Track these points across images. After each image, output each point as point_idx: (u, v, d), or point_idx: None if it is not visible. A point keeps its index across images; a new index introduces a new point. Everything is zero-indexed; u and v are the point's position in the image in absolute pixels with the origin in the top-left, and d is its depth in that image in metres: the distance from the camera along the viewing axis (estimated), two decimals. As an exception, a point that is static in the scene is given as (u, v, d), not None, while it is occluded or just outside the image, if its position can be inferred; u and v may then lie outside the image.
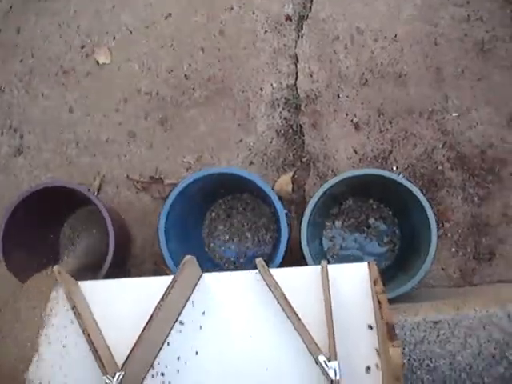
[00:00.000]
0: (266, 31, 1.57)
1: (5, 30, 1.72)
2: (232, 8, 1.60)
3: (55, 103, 1.63)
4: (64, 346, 0.95)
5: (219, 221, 1.46)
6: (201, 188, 1.29)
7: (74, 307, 0.95)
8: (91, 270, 1.30)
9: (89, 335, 0.92)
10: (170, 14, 1.63)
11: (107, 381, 0.85)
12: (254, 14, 1.59)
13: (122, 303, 0.98)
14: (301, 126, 1.50)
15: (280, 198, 1.43)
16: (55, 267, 0.97)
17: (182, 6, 1.64)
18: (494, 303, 1.12)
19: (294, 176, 1.46)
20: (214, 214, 1.46)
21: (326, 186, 1.23)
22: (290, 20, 1.57)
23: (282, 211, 1.22)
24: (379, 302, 0.90)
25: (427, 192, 1.44)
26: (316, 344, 0.87)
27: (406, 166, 1.45)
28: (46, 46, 1.68)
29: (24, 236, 1.36)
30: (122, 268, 1.45)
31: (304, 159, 1.48)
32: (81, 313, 0.95)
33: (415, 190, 1.24)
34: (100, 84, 1.63)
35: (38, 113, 1.63)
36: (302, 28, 1.56)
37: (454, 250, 1.43)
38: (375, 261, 1.39)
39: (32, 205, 1.34)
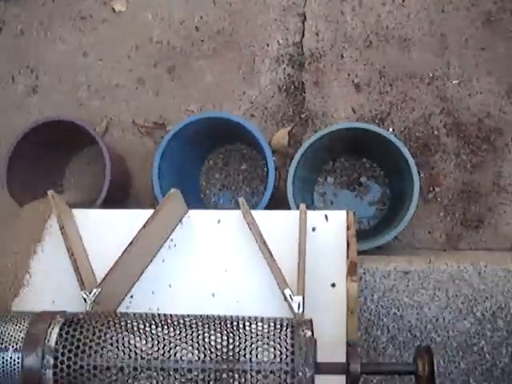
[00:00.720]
0: (276, -11, 1.62)
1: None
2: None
3: (71, 47, 1.70)
4: (52, 272, 1.01)
5: (216, 169, 1.52)
6: (197, 132, 1.35)
7: (62, 227, 1.01)
8: (89, 206, 1.36)
9: (72, 253, 0.98)
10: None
11: (84, 295, 0.92)
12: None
13: (110, 232, 1.04)
14: (303, 83, 1.54)
15: (274, 151, 1.48)
16: (49, 191, 1.03)
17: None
18: (466, 261, 1.15)
19: (291, 131, 1.50)
20: (211, 162, 1.52)
21: (317, 135, 1.27)
22: (302, -21, 1.60)
23: (270, 157, 1.27)
24: (348, 243, 0.95)
25: (421, 156, 1.47)
26: (284, 280, 0.92)
27: (402, 129, 1.48)
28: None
29: (29, 169, 1.43)
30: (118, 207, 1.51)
31: (303, 115, 1.52)
32: (68, 234, 1.01)
33: (403, 149, 1.28)
34: (114, 31, 1.68)
35: (54, 55, 1.70)
36: (312, -13, 1.60)
37: (442, 214, 1.46)
38: (364, 218, 1.45)
39: (39, 138, 1.42)
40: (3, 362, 0.73)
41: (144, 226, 0.97)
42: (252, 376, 0.74)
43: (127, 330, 0.78)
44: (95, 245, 1.03)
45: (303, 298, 0.88)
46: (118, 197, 1.49)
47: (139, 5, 1.69)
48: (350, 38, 1.55)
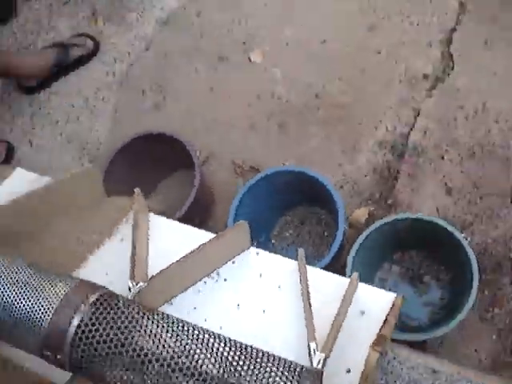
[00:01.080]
0: (400, 80, 1.69)
1: (189, 9, 1.99)
2: (379, 52, 1.74)
3: (201, 79, 1.86)
4: (109, 266, 1.10)
5: (291, 225, 1.59)
6: (282, 183, 1.43)
7: (135, 222, 1.11)
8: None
9: (135, 247, 1.07)
10: (324, 41, 1.80)
11: (130, 284, 1.00)
12: (396, 63, 1.72)
13: (175, 243, 1.12)
14: (397, 172, 1.59)
15: (350, 225, 1.53)
16: (137, 189, 1.14)
17: (338, 37, 1.80)
18: (495, 382, 1.13)
19: (372, 211, 1.55)
20: (288, 218, 1.59)
21: (385, 220, 1.32)
22: (426, 79, 1.67)
23: (342, 222, 1.33)
24: (385, 320, 0.98)
25: (491, 273, 1.46)
26: (314, 335, 0.96)
27: (479, 242, 1.49)
28: (216, 32, 1.92)
29: (125, 175, 1.55)
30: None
31: (389, 201, 1.56)
32: (138, 230, 1.11)
33: (473, 259, 1.29)
34: (244, 77, 1.83)
35: (184, 82, 1.87)
36: (434, 88, 1.66)
37: (494, 337, 1.44)
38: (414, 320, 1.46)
39: (141, 149, 1.55)
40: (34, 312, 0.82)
41: (205, 243, 1.05)
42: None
43: (157, 324, 0.85)
44: (158, 250, 1.12)
45: (326, 358, 0.92)
46: (195, 221, 1.59)
47: (274, 61, 1.82)
48: (455, 144, 1.59)
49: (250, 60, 1.84)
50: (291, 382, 0.79)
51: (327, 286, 1.05)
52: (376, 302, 1.02)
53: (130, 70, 1.96)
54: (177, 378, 0.81)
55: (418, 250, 1.48)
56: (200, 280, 1.09)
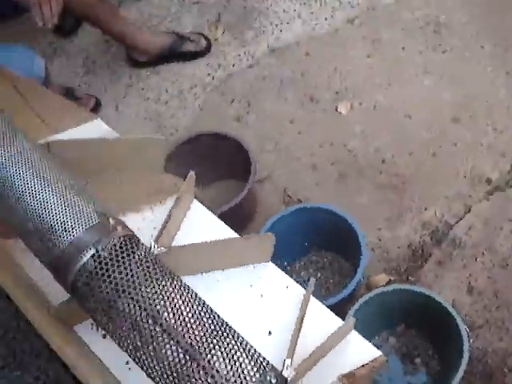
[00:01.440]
0: (465, 176, 1.76)
1: (301, 47, 2.12)
2: (455, 144, 1.82)
3: (287, 110, 1.99)
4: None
5: (308, 266, 1.67)
6: (311, 221, 1.53)
7: (178, 198, 1.21)
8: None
9: (170, 217, 1.17)
10: (409, 116, 1.90)
11: (152, 244, 1.09)
12: (466, 159, 1.79)
13: (205, 231, 1.22)
14: (430, 255, 1.64)
15: (367, 287, 1.60)
16: (192, 172, 1.24)
17: (423, 117, 1.90)
18: None
19: (392, 281, 1.61)
20: (313, 257, 1.67)
21: (393, 287, 1.39)
22: (489, 183, 1.73)
23: (362, 266, 1.40)
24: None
25: (480, 381, 1.49)
26: (293, 353, 1.02)
27: (480, 347, 1.52)
28: (316, 74, 2.05)
29: (181, 168, 1.67)
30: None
31: (411, 278, 1.62)
32: (178, 206, 1.21)
33: (465, 359, 1.33)
34: (325, 121, 1.94)
35: (271, 108, 2.00)
36: (492, 194, 1.72)
37: None
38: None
39: (207, 147, 1.67)
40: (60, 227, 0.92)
41: (229, 239, 1.15)
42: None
43: (173, 285, 0.92)
44: (187, 231, 1.21)
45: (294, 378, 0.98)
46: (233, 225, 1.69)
47: (357, 117, 1.93)
48: (492, 250, 1.63)
49: (337, 109, 1.95)
50: (256, 370, 0.86)
51: (323, 319, 1.12)
52: (360, 351, 1.08)
53: (228, 78, 2.10)
54: (165, 341, 0.89)
55: (420, 330, 1.53)
56: (213, 271, 1.18)
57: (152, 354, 0.87)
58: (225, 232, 1.22)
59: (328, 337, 1.03)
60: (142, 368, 0.84)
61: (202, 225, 1.22)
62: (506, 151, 1.79)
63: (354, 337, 1.09)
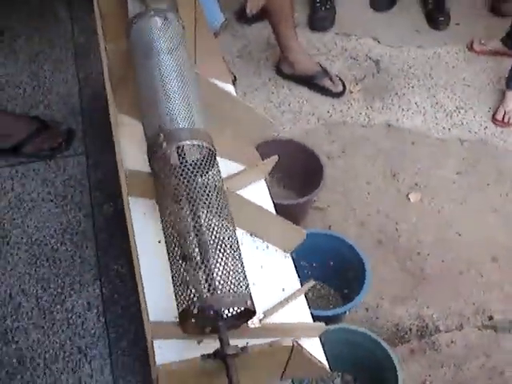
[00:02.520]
0: (474, 303, 1.95)
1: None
2: (482, 276, 2.02)
3: (360, 171, 2.26)
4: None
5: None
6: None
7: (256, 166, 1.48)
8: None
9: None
10: (458, 234, 2.12)
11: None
12: (482, 293, 1.98)
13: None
14: (408, 341, 1.85)
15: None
16: (275, 156, 1.51)
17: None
18: None
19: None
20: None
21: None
22: (489, 319, 1.91)
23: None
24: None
25: None
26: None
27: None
28: (407, 165, 2.30)
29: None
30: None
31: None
32: (253, 172, 1.48)
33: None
34: (390, 198, 2.19)
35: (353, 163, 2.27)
36: (486, 329, 1.90)
37: None
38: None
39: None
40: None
41: (269, 211, 1.41)
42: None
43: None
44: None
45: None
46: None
47: (420, 210, 2.16)
48: (459, 369, 1.81)
49: (408, 195, 2.19)
50: (238, 284, 1.11)
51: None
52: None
53: (339, 124, 2.40)
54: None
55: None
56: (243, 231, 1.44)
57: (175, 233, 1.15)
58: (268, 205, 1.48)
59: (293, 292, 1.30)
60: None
61: (258, 197, 1.49)
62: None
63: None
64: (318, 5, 2.75)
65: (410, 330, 1.87)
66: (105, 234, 1.62)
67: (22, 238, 1.61)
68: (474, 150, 2.38)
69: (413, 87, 2.57)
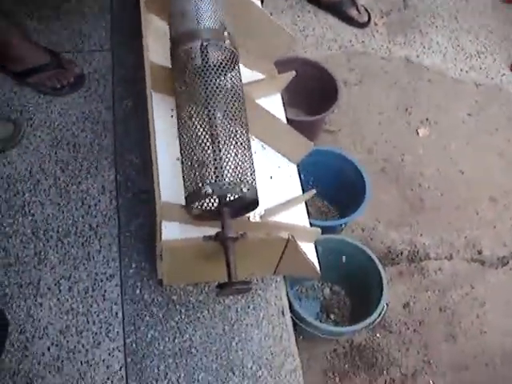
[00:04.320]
0: (466, 237, 2.04)
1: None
2: (478, 213, 2.10)
3: (375, 102, 2.30)
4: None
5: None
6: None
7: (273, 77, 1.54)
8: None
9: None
10: (462, 172, 2.19)
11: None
12: (478, 229, 2.08)
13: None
14: (398, 263, 1.95)
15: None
16: (293, 71, 1.57)
17: None
18: None
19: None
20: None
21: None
22: (479, 253, 2.01)
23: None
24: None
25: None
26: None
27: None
28: (421, 99, 2.36)
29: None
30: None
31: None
32: (271, 83, 1.54)
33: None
34: (398, 129, 2.25)
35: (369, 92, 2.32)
36: (475, 262, 2.00)
37: None
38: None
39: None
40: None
41: (280, 120, 1.48)
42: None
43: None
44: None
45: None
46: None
47: (427, 144, 2.23)
48: (442, 295, 1.92)
49: (417, 130, 2.25)
50: (244, 175, 1.19)
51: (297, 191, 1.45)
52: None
53: (360, 55, 2.44)
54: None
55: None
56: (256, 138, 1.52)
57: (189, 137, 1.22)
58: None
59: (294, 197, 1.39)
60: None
61: (272, 108, 1.55)
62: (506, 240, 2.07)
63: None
64: None
65: (401, 253, 1.98)
66: (123, 126, 1.70)
67: (45, 122, 1.69)
68: (488, 94, 2.42)
69: (437, 27, 2.58)
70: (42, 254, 1.48)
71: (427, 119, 2.29)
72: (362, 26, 2.51)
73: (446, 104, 2.36)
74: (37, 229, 1.51)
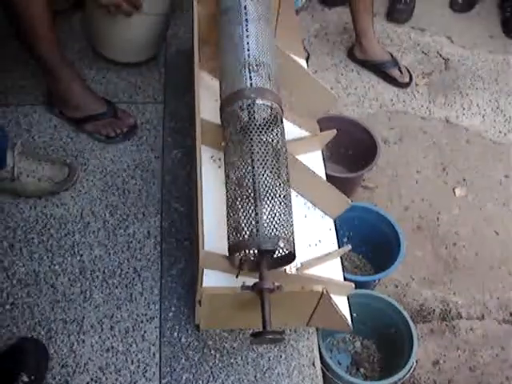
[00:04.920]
0: (498, 298, 2.06)
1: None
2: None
3: (409, 160, 2.35)
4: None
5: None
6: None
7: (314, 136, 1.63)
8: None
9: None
10: (497, 233, 2.22)
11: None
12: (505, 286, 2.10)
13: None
14: (429, 321, 1.98)
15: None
16: (334, 130, 1.66)
17: None
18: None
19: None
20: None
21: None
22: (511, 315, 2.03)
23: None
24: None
25: None
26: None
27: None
28: (460, 173, 2.41)
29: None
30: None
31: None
32: (311, 142, 1.63)
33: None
34: (432, 186, 2.30)
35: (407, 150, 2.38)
36: (508, 323, 2.01)
37: None
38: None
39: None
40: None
41: (320, 176, 1.55)
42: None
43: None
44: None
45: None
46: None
47: (463, 205, 2.27)
48: (474, 360, 1.93)
49: (454, 189, 2.30)
50: (282, 230, 1.26)
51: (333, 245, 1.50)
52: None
53: (396, 113, 2.51)
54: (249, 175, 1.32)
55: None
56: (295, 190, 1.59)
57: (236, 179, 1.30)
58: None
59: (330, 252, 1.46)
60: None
61: (313, 164, 1.63)
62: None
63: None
64: (400, -3, 2.86)
65: (434, 311, 2.01)
66: (170, 176, 1.79)
67: (98, 167, 1.80)
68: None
69: (477, 89, 2.65)
70: (88, 292, 1.56)
71: (464, 179, 2.34)
72: (404, 86, 2.59)
73: (484, 165, 2.41)
74: (84, 268, 1.60)
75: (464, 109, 2.57)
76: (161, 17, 1.94)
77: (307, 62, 2.48)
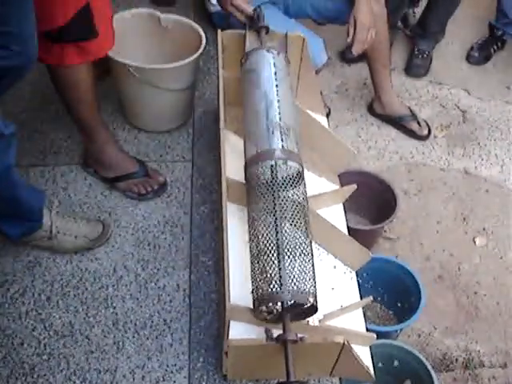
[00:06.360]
0: (520, 347, 2.10)
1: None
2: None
3: (435, 211, 2.42)
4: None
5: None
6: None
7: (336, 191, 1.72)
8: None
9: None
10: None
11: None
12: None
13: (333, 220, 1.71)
14: (452, 370, 2.01)
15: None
16: (354, 185, 1.74)
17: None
18: None
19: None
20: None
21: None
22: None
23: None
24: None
25: None
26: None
27: None
28: (478, 212, 2.47)
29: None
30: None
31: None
32: (334, 195, 1.71)
33: None
34: (455, 235, 2.35)
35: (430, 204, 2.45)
36: (529, 372, 2.04)
37: None
38: None
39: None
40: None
41: (341, 231, 1.63)
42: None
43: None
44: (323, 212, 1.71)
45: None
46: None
47: (484, 254, 2.31)
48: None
49: (474, 238, 2.35)
50: (305, 283, 1.34)
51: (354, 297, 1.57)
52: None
53: (416, 166, 2.59)
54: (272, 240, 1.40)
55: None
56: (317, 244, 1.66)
57: (257, 235, 1.38)
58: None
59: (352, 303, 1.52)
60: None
61: (334, 218, 1.70)
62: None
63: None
64: (417, 53, 2.97)
65: (456, 360, 2.04)
66: (198, 231, 1.89)
67: (130, 223, 1.90)
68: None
69: (495, 140, 2.73)
70: (120, 343, 1.64)
71: (484, 229, 2.39)
72: (423, 138, 2.68)
73: (503, 214, 2.46)
74: (117, 320, 1.68)
75: (482, 159, 2.64)
76: (186, 90, 2.07)
77: (328, 117, 2.58)
